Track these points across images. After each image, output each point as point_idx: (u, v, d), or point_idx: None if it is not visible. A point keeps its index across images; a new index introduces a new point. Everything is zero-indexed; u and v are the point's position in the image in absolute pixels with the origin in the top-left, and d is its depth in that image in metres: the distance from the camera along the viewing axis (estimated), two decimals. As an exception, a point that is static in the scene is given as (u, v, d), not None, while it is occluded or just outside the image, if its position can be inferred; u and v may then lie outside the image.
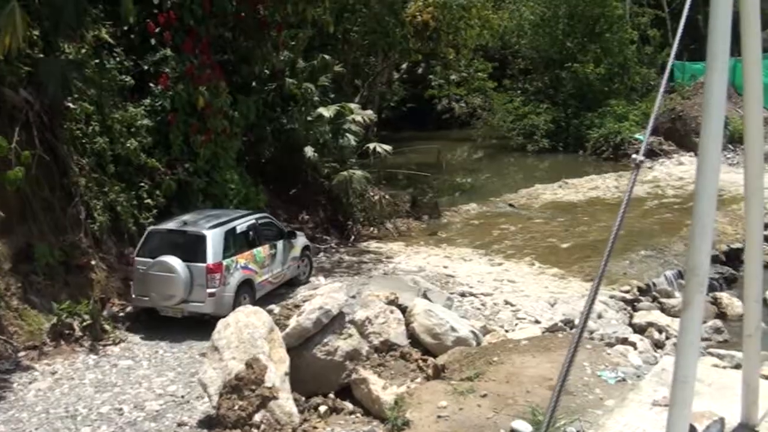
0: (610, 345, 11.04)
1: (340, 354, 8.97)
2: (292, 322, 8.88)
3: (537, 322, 12.44)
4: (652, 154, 29.14)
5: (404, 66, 33.58)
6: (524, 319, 12.65)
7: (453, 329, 9.38)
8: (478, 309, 13.08)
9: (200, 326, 10.85)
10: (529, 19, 35.77)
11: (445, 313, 10.02)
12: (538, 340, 8.67)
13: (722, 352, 11.22)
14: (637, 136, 30.50)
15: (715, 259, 16.05)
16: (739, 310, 13.66)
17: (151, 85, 14.21)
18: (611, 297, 14.13)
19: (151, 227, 12.12)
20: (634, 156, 3.00)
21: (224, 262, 11.35)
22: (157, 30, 14.10)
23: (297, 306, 9.25)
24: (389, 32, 24.27)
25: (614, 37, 34.77)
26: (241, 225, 12.19)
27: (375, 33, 24.49)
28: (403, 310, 9.99)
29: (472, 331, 9.70)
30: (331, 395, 8.78)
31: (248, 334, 8.27)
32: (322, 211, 18.87)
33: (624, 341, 11.64)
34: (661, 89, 3.49)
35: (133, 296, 11.79)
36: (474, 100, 37.09)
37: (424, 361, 8.90)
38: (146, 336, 11.50)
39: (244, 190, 15.29)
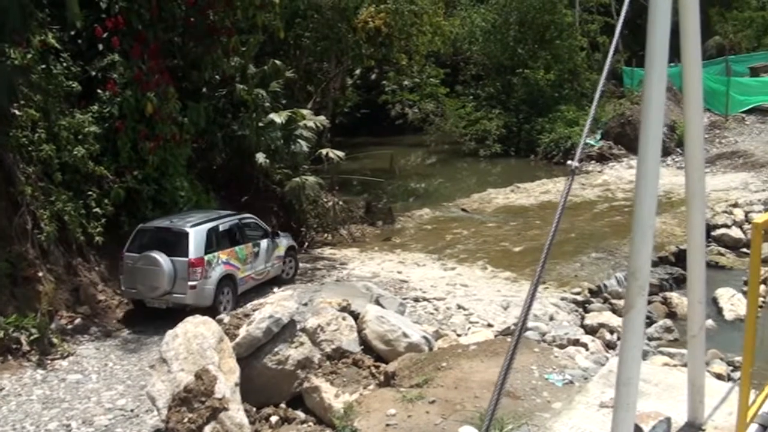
0: (562, 347, 11.17)
1: (291, 363, 8.88)
2: (242, 332, 8.75)
3: (489, 325, 12.52)
4: (602, 158, 29.74)
5: (358, 72, 33.60)
6: (477, 322, 12.71)
7: (405, 335, 9.37)
8: (431, 314, 13.10)
9: (149, 338, 10.65)
10: (480, 26, 36.14)
11: (398, 319, 10.01)
12: (486, 344, 8.71)
13: (673, 350, 11.46)
14: (587, 140, 31.06)
15: (664, 260, 16.43)
16: (690, 309, 14.01)
17: (99, 91, 13.91)
18: (563, 299, 14.31)
19: (141, 225, 12.76)
20: (569, 162, 3.02)
21: (206, 258, 12.11)
22: (104, 35, 13.81)
23: (247, 315, 9.12)
24: (341, 38, 24.29)
25: (564, 44, 35.38)
26: (224, 224, 12.99)
27: (327, 39, 24.48)
28: (356, 316, 9.94)
29: (425, 337, 9.70)
30: (283, 405, 8.68)
31: (197, 345, 8.12)
32: (274, 218, 18.67)
33: (576, 342, 11.77)
34: (596, 97, 3.52)
35: (123, 289, 12.55)
36: (427, 105, 37.24)
37: (377, 367, 8.86)
38: (96, 348, 11.25)
39: (194, 198, 15.05)
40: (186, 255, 11.88)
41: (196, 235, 12.10)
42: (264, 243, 13.93)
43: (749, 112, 30.28)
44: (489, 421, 2.49)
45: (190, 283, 11.80)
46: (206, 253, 12.16)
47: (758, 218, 3.69)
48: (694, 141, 4.17)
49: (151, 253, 11.85)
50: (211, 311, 11.21)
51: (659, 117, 3.38)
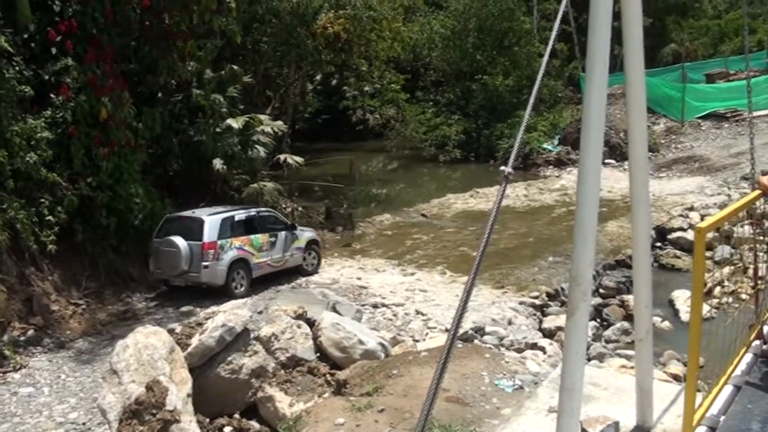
0: (520, 350, 11.24)
1: (245, 372, 8.77)
2: (195, 341, 8.61)
3: (447, 330, 12.51)
4: (560, 163, 30.12)
5: (318, 77, 33.53)
6: (435, 328, 12.70)
7: (361, 342, 9.31)
8: (390, 320, 13.05)
9: (104, 347, 10.42)
10: (439, 33, 36.43)
11: (354, 325, 9.95)
12: (437, 350, 8.67)
13: (630, 353, 11.53)
14: (545, 145, 31.45)
15: (621, 263, 16.66)
16: (647, 312, 14.21)
17: (52, 96, 13.59)
18: (521, 303, 14.38)
19: (167, 215, 14.54)
20: (502, 168, 3.01)
21: (219, 242, 13.64)
22: (58, 38, 13.51)
23: (199, 324, 8.98)
24: (300, 43, 24.17)
25: (522, 51, 35.85)
26: (240, 215, 14.59)
27: (286, 44, 24.34)
28: (311, 324, 9.86)
29: (381, 343, 9.65)
30: (237, 415, 8.56)
31: (148, 356, 7.94)
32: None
33: (534, 346, 11.85)
34: (531, 101, 3.52)
35: (151, 269, 14.22)
36: (387, 111, 37.41)
37: (332, 375, 8.78)
38: (49, 360, 10.95)
39: (149, 204, 14.81)
40: (201, 239, 13.45)
41: (210, 223, 13.73)
42: (282, 234, 15.19)
43: (705, 117, 30.95)
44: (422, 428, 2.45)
45: (203, 263, 13.38)
46: (219, 238, 13.66)
47: (702, 223, 3.73)
48: (638, 146, 4.20)
49: (171, 237, 13.49)
50: (225, 290, 13.50)
51: (600, 123, 3.39)
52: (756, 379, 4.63)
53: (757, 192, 4.64)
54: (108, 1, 13.87)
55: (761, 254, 5.30)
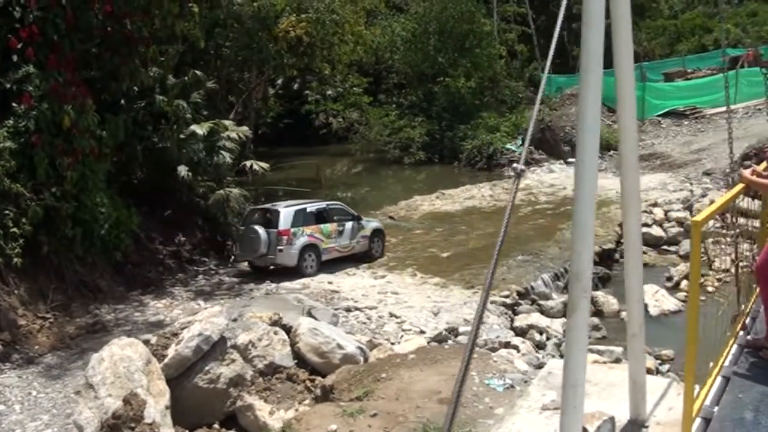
0: (494, 350, 11.28)
1: (223, 381, 8.63)
2: (171, 352, 8.45)
3: (422, 332, 12.51)
4: (524, 163, 30.41)
5: (280, 81, 33.30)
6: (409, 330, 12.68)
7: (340, 346, 9.24)
8: (364, 323, 12.99)
9: (74, 361, 10.14)
10: (401, 36, 36.51)
11: (331, 330, 9.87)
12: (424, 352, 8.66)
13: (602, 348, 11.72)
14: (508, 146, 31.74)
15: (588, 260, 16.86)
16: (615, 308, 14.38)
17: (14, 104, 13.13)
18: (492, 302, 14.42)
19: (251, 207, 17.69)
20: (515, 165, 3.01)
21: (292, 230, 16.09)
22: (19, 45, 13.09)
23: (175, 334, 8.81)
24: (262, 48, 23.98)
25: (483, 53, 36.15)
26: (311, 208, 17.05)
27: (248, 48, 24.13)
28: (288, 330, 9.75)
29: (359, 347, 9.59)
30: (216, 425, 8.43)
31: (124, 368, 7.77)
32: (198, 231, 18.21)
33: (507, 345, 11.92)
34: (537, 103, 3.52)
35: (237, 253, 17.13)
36: (351, 114, 37.38)
37: (312, 381, 8.70)
38: (18, 377, 10.58)
39: (115, 214, 14.47)
40: (277, 227, 15.92)
41: (285, 213, 16.26)
42: (349, 224, 17.42)
43: (665, 115, 31.59)
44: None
45: (278, 248, 15.85)
46: (292, 227, 16.10)
47: (697, 216, 3.77)
48: (628, 144, 4.23)
49: (253, 226, 16.11)
50: (297, 270, 16.06)
51: (596, 123, 3.41)
52: (743, 370, 4.71)
53: (741, 186, 4.72)
54: (69, 6, 13.52)
55: (744, 246, 5.40)
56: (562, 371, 3.50)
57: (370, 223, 18.41)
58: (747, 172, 4.75)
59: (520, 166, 3.01)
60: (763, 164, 5.27)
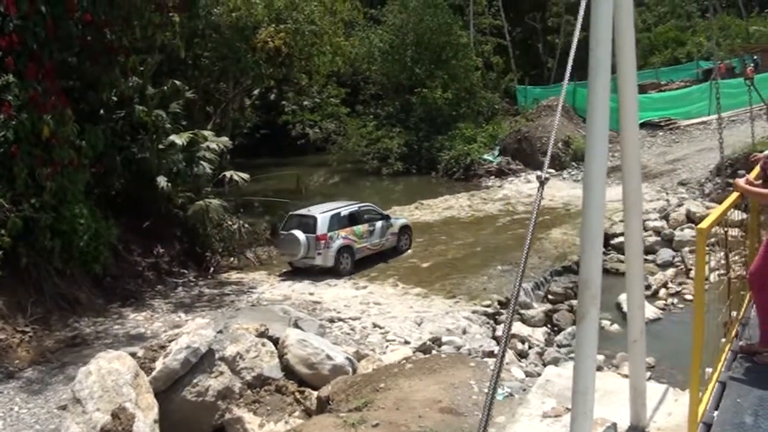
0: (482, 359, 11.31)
1: (211, 394, 8.53)
2: (159, 365, 8.34)
3: (406, 342, 12.52)
4: (501, 173, 30.67)
5: (256, 92, 33.13)
6: (394, 340, 12.70)
7: (329, 357, 9.20)
8: (348, 334, 12.97)
9: (54, 375, 9.93)
10: (378, 47, 36.64)
11: (320, 341, 9.83)
12: (422, 362, 8.65)
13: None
14: (485, 156, 31.95)
15: (568, 269, 17.04)
16: (597, 315, 14.53)
17: (-7, 114, 12.96)
18: (474, 312, 14.53)
19: (290, 213, 18.97)
20: (538, 173, 3.05)
21: (329, 234, 17.45)
22: (-1, 55, 12.91)
23: (163, 347, 8.70)
24: (240, 58, 23.86)
25: (460, 64, 36.44)
26: (345, 211, 18.38)
27: (226, 59, 24.00)
28: (275, 341, 9.68)
29: (348, 358, 9.57)
30: (205, 438, 8.31)
31: (112, 382, 7.65)
32: (178, 243, 18.04)
33: (490, 354, 11.97)
34: (558, 113, 3.58)
35: (277, 252, 19.12)
36: (328, 125, 37.38)
37: (301, 392, 8.64)
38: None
39: (94, 225, 14.25)
40: (315, 232, 17.29)
41: (322, 219, 17.56)
42: (379, 224, 18.93)
43: (640, 126, 31.85)
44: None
45: (317, 251, 17.30)
46: (329, 231, 17.43)
47: (702, 224, 3.84)
48: (631, 151, 4.30)
49: (293, 231, 17.45)
50: (334, 270, 17.43)
51: (604, 133, 3.46)
52: (739, 375, 4.79)
53: (737, 194, 4.81)
54: (50, 15, 13.35)
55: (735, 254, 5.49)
56: (572, 378, 3.53)
57: (398, 221, 20.07)
58: (741, 181, 4.84)
59: (545, 175, 3.05)
60: (754, 172, 5.38)
